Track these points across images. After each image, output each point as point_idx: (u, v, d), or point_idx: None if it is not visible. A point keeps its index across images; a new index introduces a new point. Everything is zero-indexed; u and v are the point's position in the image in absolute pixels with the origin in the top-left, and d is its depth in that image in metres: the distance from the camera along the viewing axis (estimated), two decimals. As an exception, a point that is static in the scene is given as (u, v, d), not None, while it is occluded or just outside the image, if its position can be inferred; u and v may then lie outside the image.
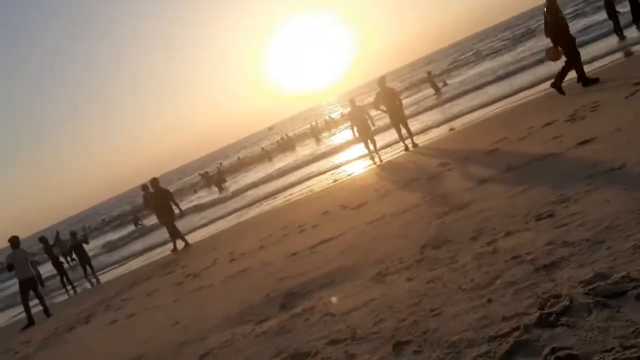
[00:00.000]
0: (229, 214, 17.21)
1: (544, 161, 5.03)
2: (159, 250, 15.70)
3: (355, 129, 13.41)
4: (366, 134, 13.28)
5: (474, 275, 2.89)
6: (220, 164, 46.82)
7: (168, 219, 12.46)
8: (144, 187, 13.32)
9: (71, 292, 15.11)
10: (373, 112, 14.10)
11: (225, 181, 32.17)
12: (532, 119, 7.92)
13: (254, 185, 23.46)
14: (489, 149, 7.08)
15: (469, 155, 7.40)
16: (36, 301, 11.09)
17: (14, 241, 10.76)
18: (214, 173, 38.49)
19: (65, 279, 15.93)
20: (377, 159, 13.10)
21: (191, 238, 13.96)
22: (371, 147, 13.37)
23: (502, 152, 6.56)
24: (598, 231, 2.74)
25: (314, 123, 43.73)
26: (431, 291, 2.94)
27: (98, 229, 45.76)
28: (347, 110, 14.03)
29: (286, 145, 40.58)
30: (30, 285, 10.74)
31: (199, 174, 46.77)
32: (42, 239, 16.59)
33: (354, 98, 14.07)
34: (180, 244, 12.72)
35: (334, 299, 3.58)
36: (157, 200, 12.45)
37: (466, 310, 2.51)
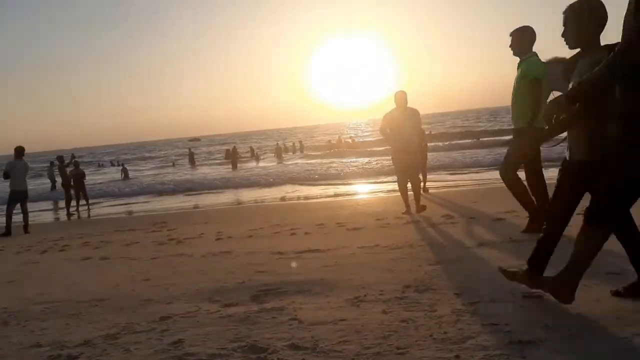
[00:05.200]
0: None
1: (547, 244, 5.01)
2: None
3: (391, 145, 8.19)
4: (411, 165, 8.10)
5: (448, 329, 2.89)
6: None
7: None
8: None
9: (75, 215, 15.40)
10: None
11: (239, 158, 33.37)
12: (546, 201, 7.91)
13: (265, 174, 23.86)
14: (496, 216, 7.08)
15: (475, 216, 7.41)
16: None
17: (19, 151, 10.84)
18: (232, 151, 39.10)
19: (78, 197, 16.30)
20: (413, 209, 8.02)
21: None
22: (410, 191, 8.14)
23: (508, 223, 6.55)
24: (581, 325, 2.75)
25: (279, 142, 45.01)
26: (402, 330, 2.94)
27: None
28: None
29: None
30: (21, 198, 10.80)
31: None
32: (59, 158, 16.94)
33: (405, 92, 8.03)
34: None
35: (305, 307, 3.58)
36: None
37: (432, 358, 2.51)
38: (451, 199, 10.27)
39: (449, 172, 18.96)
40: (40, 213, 17.07)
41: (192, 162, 42.67)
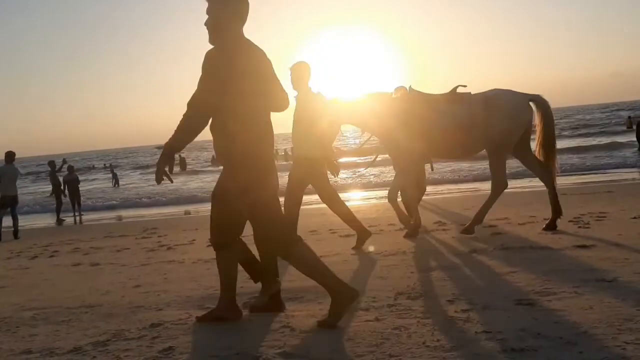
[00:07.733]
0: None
1: (539, 252, 5.04)
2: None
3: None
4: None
5: (441, 336, 2.88)
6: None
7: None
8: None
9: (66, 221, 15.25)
10: None
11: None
12: (537, 209, 7.92)
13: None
14: (488, 223, 7.08)
15: (467, 223, 7.40)
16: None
17: (9, 156, 10.78)
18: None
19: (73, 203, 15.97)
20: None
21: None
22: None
23: (500, 230, 6.57)
24: (574, 333, 2.75)
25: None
26: (395, 337, 2.93)
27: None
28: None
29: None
30: (11, 204, 10.73)
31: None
32: (51, 163, 16.77)
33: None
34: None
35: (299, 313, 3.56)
36: None
37: (424, 366, 2.50)
38: (441, 206, 10.28)
39: (443, 180, 18.94)
40: (32, 218, 16.96)
41: (184, 167, 42.39)
